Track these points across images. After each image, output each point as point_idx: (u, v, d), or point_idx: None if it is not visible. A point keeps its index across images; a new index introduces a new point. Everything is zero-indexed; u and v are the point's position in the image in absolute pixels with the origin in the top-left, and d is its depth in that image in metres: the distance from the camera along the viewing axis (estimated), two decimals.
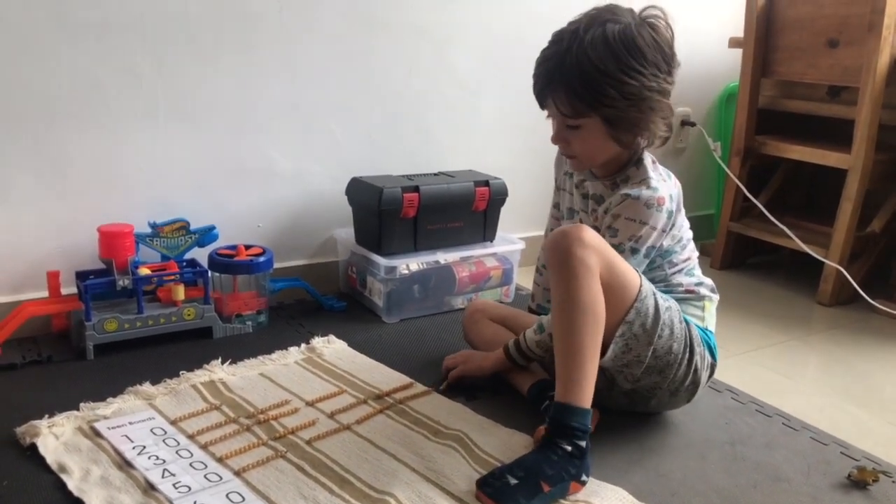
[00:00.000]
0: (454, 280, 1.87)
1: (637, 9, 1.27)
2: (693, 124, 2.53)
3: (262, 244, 1.78)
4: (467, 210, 1.89)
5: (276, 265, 1.83)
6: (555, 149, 1.40)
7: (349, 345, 1.64)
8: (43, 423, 1.23)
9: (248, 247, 1.74)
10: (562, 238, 1.18)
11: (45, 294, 1.59)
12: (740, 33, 2.28)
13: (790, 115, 2.34)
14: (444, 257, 1.85)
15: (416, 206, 1.79)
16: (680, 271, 1.35)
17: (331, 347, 1.61)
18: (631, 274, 1.23)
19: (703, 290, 1.37)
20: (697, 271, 1.39)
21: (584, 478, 1.12)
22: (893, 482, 1.23)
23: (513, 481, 1.07)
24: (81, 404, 1.31)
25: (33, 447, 1.19)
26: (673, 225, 1.31)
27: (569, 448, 1.12)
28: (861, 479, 1.22)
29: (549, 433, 1.14)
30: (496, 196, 1.90)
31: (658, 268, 1.34)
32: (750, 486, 1.20)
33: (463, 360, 1.49)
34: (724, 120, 2.60)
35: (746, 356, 1.74)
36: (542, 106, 1.31)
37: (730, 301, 2.12)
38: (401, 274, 1.78)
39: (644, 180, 1.28)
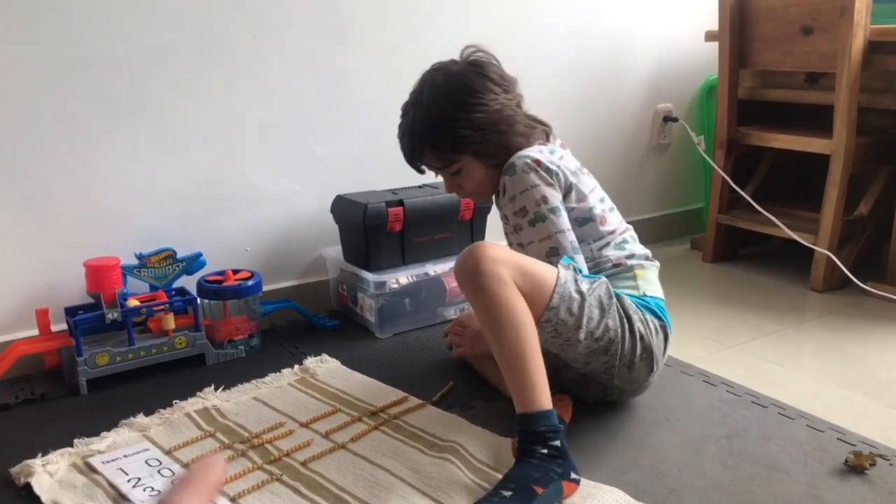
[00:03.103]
0: (445, 291, 1.87)
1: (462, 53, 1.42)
2: (675, 119, 2.54)
3: (250, 268, 1.79)
4: (453, 220, 1.89)
5: (266, 287, 1.83)
6: None
7: (343, 363, 1.64)
8: (37, 462, 1.23)
9: (236, 271, 1.74)
10: (467, 259, 1.20)
11: (35, 332, 1.59)
12: (716, 26, 2.29)
13: (771, 105, 2.35)
14: (434, 269, 1.85)
15: (402, 219, 1.79)
16: (606, 245, 1.37)
17: (324, 367, 1.61)
18: (546, 268, 1.25)
19: (633, 261, 1.38)
20: (629, 244, 1.40)
21: (573, 476, 1.12)
22: (891, 465, 1.23)
23: (507, 493, 1.07)
24: (75, 440, 1.31)
25: (28, 487, 1.18)
26: (569, 190, 1.35)
27: (545, 451, 1.12)
28: (858, 463, 1.21)
29: (521, 444, 1.14)
30: (481, 205, 1.91)
31: (583, 243, 1.35)
32: (747, 478, 1.20)
33: (470, 345, 1.54)
34: (706, 113, 2.60)
35: (741, 348, 1.73)
36: (420, 171, 1.47)
37: (723, 294, 2.13)
38: (391, 288, 1.78)
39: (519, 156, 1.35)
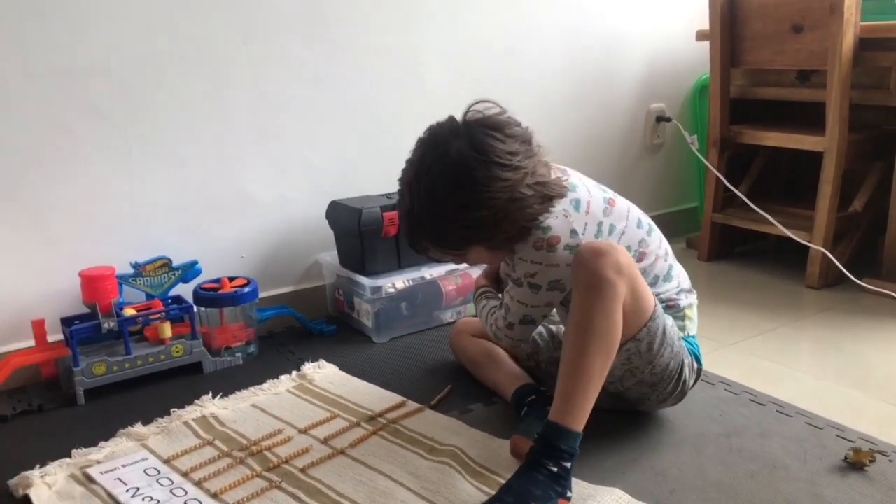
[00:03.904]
0: (441, 295, 1.87)
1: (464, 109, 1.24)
2: (668, 119, 2.54)
3: (246, 275, 1.78)
4: None
5: (263, 294, 1.83)
6: None
7: (340, 368, 1.64)
8: (35, 474, 1.22)
9: (232, 279, 1.74)
10: (596, 256, 1.13)
11: (32, 343, 1.58)
12: (707, 26, 2.29)
13: (763, 103, 2.36)
14: (430, 273, 1.84)
15: (397, 224, 1.79)
16: (655, 281, 1.30)
17: (321, 372, 1.61)
18: (648, 295, 1.20)
19: (683, 299, 1.33)
20: (674, 268, 1.35)
21: (568, 494, 1.11)
22: (890, 461, 1.23)
23: None
24: (73, 451, 1.30)
25: (27, 498, 1.18)
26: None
27: (555, 469, 1.10)
28: (857, 460, 1.22)
29: (536, 452, 1.12)
30: None
31: None
32: (747, 476, 1.20)
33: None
34: (698, 113, 2.61)
35: (738, 346, 1.74)
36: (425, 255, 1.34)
37: (719, 292, 2.13)
38: (387, 293, 1.78)
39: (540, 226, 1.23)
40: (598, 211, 1.27)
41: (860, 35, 1.97)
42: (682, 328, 1.31)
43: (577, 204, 1.25)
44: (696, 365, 1.34)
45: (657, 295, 1.27)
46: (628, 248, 1.25)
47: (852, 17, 1.94)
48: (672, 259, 1.35)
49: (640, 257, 1.28)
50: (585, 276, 1.13)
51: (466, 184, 1.17)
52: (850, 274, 2.01)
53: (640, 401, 1.34)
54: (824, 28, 1.99)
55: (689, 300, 1.35)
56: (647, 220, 1.34)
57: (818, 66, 2.06)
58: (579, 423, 1.12)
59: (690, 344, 1.33)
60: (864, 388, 1.52)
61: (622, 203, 1.32)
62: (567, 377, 1.13)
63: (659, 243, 1.33)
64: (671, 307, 1.31)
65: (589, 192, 1.28)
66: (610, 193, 1.32)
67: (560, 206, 1.23)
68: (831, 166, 2.05)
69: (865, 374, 1.58)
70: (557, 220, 1.23)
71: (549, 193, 1.22)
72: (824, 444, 1.29)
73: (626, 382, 1.28)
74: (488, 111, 1.23)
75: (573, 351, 1.13)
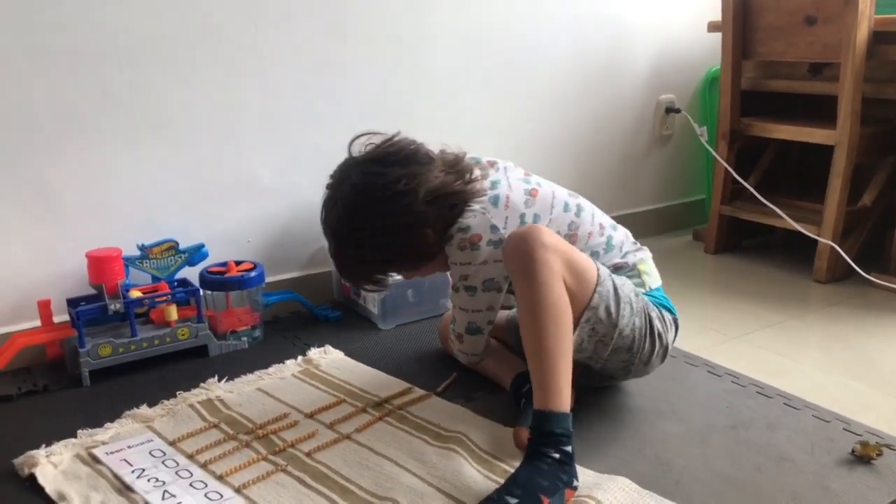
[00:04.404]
0: (448, 282, 1.86)
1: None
2: (678, 111, 2.52)
3: (252, 259, 1.78)
4: None
5: (269, 279, 1.82)
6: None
7: (346, 354, 1.63)
8: (41, 453, 1.22)
9: (238, 262, 1.73)
10: (521, 242, 1.18)
11: (38, 323, 1.58)
12: (718, 17, 2.27)
13: (774, 95, 2.34)
14: None
15: None
16: (595, 255, 1.32)
17: (328, 358, 1.61)
18: (586, 262, 1.24)
19: (631, 258, 1.36)
20: (615, 241, 1.37)
21: (574, 483, 1.11)
22: None
23: (513, 501, 1.05)
24: (79, 431, 1.30)
25: (32, 477, 1.18)
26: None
27: (557, 455, 1.10)
28: (865, 453, 1.21)
29: (534, 443, 1.12)
30: None
31: None
32: (754, 468, 1.20)
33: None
34: (708, 104, 2.59)
35: (745, 338, 1.73)
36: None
37: (726, 285, 2.12)
38: (393, 279, 1.77)
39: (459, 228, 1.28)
40: (519, 203, 1.31)
41: (874, 28, 1.96)
42: (642, 284, 1.34)
43: (495, 200, 1.30)
44: (669, 316, 1.34)
45: (605, 265, 1.31)
46: (557, 232, 1.27)
47: (867, 10, 1.93)
48: (611, 230, 1.38)
49: (571, 239, 1.31)
50: (517, 262, 1.17)
51: (362, 225, 1.27)
52: (859, 268, 2.00)
53: (627, 370, 1.34)
54: (838, 20, 1.97)
55: (639, 256, 1.37)
56: (575, 202, 1.36)
57: (831, 59, 2.04)
58: (562, 403, 1.13)
59: (655, 297, 1.34)
60: (872, 383, 1.51)
61: (546, 191, 1.35)
62: (535, 364, 1.15)
63: (591, 220, 1.36)
64: (619, 268, 1.34)
65: (510, 187, 1.32)
66: (533, 184, 1.35)
67: (478, 205, 1.28)
68: (842, 160, 2.03)
69: (873, 368, 1.58)
70: (476, 218, 1.28)
71: (454, 200, 1.27)
72: (832, 437, 1.29)
73: (603, 353, 1.29)
74: (369, 143, 1.31)
75: (531, 337, 1.16)
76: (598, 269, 1.25)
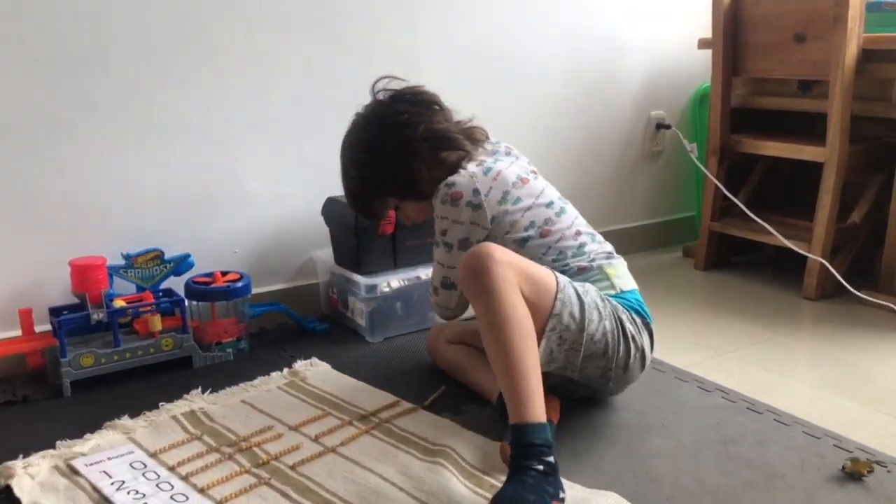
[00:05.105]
0: None
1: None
2: (668, 127, 2.53)
3: (239, 270, 1.76)
4: None
5: (255, 290, 1.80)
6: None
7: (333, 366, 1.61)
8: (18, 464, 1.20)
9: (224, 273, 1.72)
10: (473, 260, 1.19)
11: (18, 332, 1.55)
12: (709, 34, 2.28)
13: (764, 112, 2.35)
14: (426, 273, 1.81)
15: (394, 222, 1.77)
16: (563, 256, 1.36)
17: (314, 370, 1.59)
18: (544, 272, 1.25)
19: (597, 262, 1.37)
20: (587, 248, 1.38)
21: (561, 494, 1.09)
22: (888, 472, 1.21)
23: None
24: (58, 442, 1.27)
25: (8, 489, 1.15)
26: (498, 219, 1.36)
27: (541, 467, 1.08)
28: (855, 470, 1.20)
29: (516, 457, 1.10)
30: None
31: (538, 259, 1.33)
32: (744, 484, 1.19)
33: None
34: (698, 121, 2.60)
35: (735, 355, 1.72)
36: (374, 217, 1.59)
37: (716, 301, 2.12)
38: (382, 292, 1.76)
39: (447, 183, 1.38)
40: (508, 181, 1.39)
41: (863, 46, 1.97)
42: (611, 286, 1.35)
43: (486, 170, 1.39)
44: (639, 319, 1.34)
45: (565, 266, 1.35)
46: (531, 223, 1.37)
47: (856, 28, 1.94)
48: (587, 238, 1.40)
49: (542, 234, 1.37)
50: (471, 279, 1.19)
51: (364, 147, 1.43)
52: (848, 285, 2.00)
53: (607, 377, 1.33)
54: (827, 39, 1.98)
55: (609, 261, 1.38)
56: (560, 205, 1.42)
57: (821, 77, 2.05)
58: (536, 413, 1.11)
59: (626, 300, 1.34)
60: (862, 399, 1.50)
61: (539, 184, 1.43)
62: (503, 379, 1.14)
63: (570, 224, 1.40)
64: (585, 269, 1.35)
65: (507, 166, 1.41)
66: (531, 175, 1.43)
67: (469, 169, 1.39)
68: (831, 177, 2.04)
69: (863, 386, 1.57)
70: (463, 178, 1.38)
71: (450, 149, 1.40)
72: (822, 453, 1.27)
73: (577, 361, 1.28)
74: (390, 85, 1.46)
75: (495, 351, 1.15)
76: (556, 277, 1.25)
